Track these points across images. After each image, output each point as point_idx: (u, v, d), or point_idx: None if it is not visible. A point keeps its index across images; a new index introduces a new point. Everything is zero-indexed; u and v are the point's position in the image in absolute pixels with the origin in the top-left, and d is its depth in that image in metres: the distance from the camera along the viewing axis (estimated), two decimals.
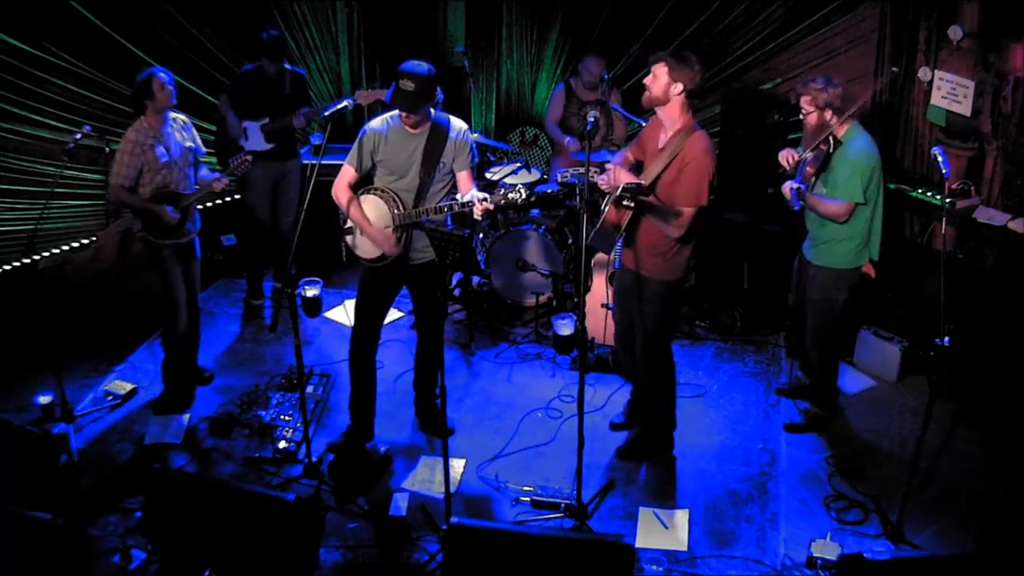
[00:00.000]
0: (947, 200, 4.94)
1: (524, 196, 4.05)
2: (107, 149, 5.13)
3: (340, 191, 4.36)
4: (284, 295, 4.23)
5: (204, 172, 5.01)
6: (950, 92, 5.44)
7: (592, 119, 4.09)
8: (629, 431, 4.90)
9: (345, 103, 4.56)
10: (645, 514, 4.31)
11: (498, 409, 5.14)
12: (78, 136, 5.08)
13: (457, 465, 4.64)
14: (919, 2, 5.65)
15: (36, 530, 3.15)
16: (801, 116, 4.51)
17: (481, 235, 6.23)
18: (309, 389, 5.21)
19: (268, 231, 6.05)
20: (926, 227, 5.60)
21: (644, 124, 4.54)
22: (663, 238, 4.16)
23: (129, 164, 4.65)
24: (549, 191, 6.00)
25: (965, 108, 5.38)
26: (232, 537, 3.36)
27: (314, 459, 4.54)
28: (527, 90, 7.38)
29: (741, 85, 6.52)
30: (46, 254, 6.03)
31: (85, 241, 6.28)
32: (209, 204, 6.87)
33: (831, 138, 4.39)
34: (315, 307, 5.67)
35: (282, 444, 4.74)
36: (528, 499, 4.40)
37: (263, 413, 5.00)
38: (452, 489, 4.03)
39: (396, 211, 4.29)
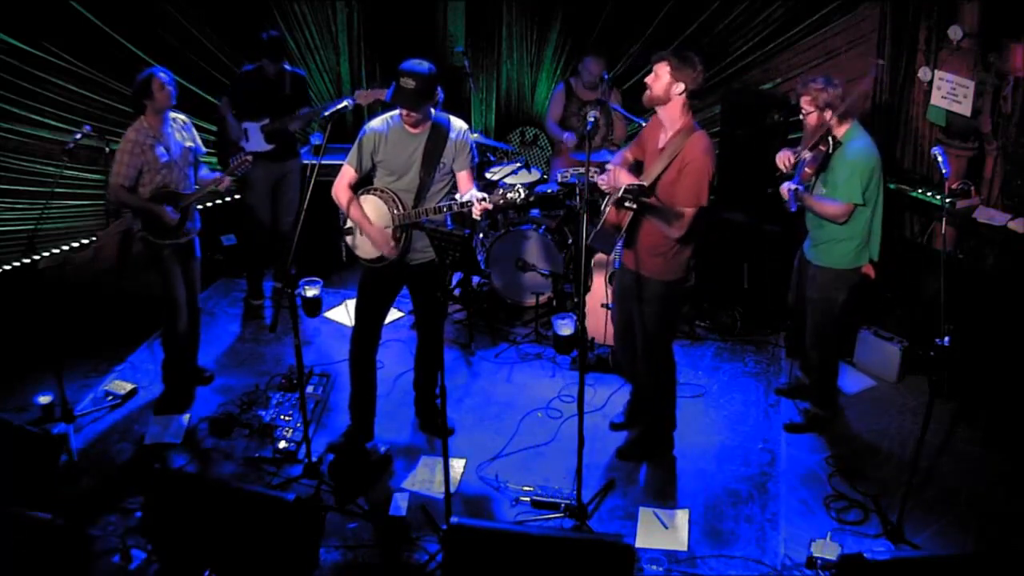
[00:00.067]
0: (947, 200, 4.94)
1: (523, 196, 4.06)
2: (107, 149, 5.13)
3: (340, 191, 4.35)
4: (284, 295, 4.23)
5: (204, 172, 5.01)
6: (950, 92, 5.44)
7: (592, 119, 4.09)
8: (629, 431, 4.90)
9: (345, 103, 4.56)
10: (645, 514, 4.31)
11: (498, 409, 5.14)
12: (78, 136, 5.08)
13: (457, 465, 4.64)
14: (919, 2, 5.65)
15: (36, 530, 3.15)
16: (801, 116, 4.51)
17: (481, 235, 6.23)
18: (309, 389, 5.21)
19: (268, 231, 6.05)
20: (926, 227, 5.60)
21: (644, 124, 4.54)
22: (663, 238, 4.16)
23: (129, 164, 4.65)
24: (549, 191, 6.01)
25: (965, 108, 5.38)
26: (232, 537, 3.36)
27: (314, 459, 4.54)
28: (527, 90, 7.38)
29: (741, 85, 6.52)
30: (46, 254, 6.03)
31: (85, 241, 6.28)
32: (209, 204, 6.88)
33: (831, 138, 4.39)
34: (315, 307, 5.67)
35: (282, 444, 4.74)
36: (528, 499, 4.40)
37: (263, 413, 5.00)
38: (452, 489, 4.03)
39: (396, 211, 4.29)
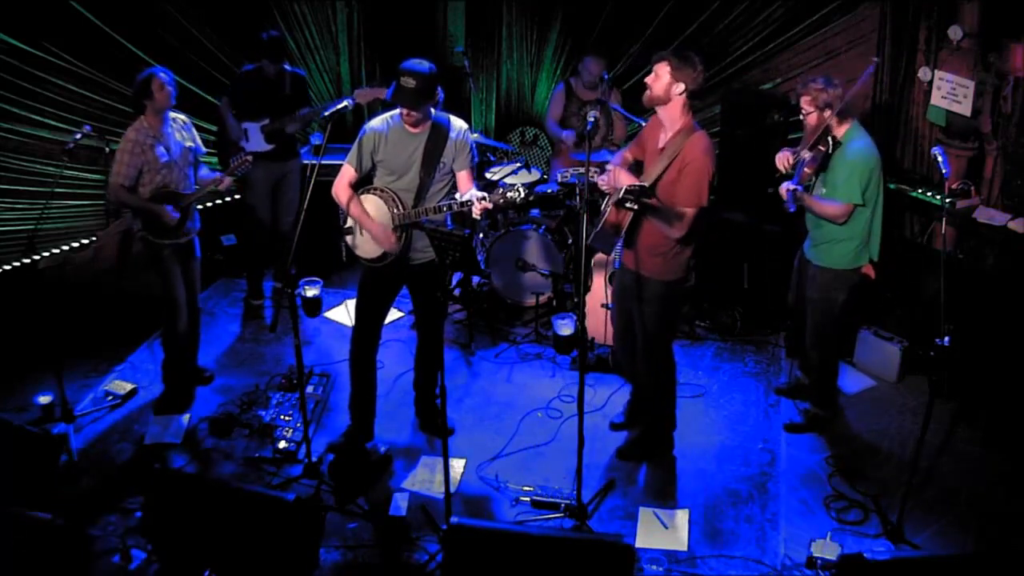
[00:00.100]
0: (947, 200, 4.94)
1: (523, 196, 4.05)
2: (107, 149, 5.13)
3: (340, 190, 4.35)
4: (284, 295, 4.23)
5: (204, 172, 5.01)
6: (950, 92, 5.44)
7: (592, 119, 4.09)
8: (629, 431, 4.89)
9: (345, 103, 4.56)
10: (645, 514, 4.31)
11: (498, 409, 5.14)
12: (78, 136, 5.08)
13: (457, 465, 4.64)
14: (919, 2, 5.65)
15: (36, 530, 3.15)
16: (801, 116, 4.51)
17: (481, 235, 6.24)
18: (309, 389, 5.21)
19: (268, 231, 6.05)
20: (926, 227, 5.60)
21: (644, 124, 4.54)
22: (664, 238, 4.16)
23: (129, 164, 4.65)
24: (549, 191, 6.00)
25: (965, 108, 5.38)
26: (232, 537, 3.36)
27: (314, 459, 4.54)
28: (527, 90, 7.38)
29: (741, 85, 6.52)
30: (46, 254, 6.03)
31: (85, 241, 6.28)
32: (209, 204, 6.88)
33: (830, 139, 4.39)
34: (315, 307, 5.67)
35: (282, 444, 4.74)
36: (528, 499, 4.40)
37: (263, 413, 5.00)
38: (452, 489, 4.03)
39: (395, 211, 4.29)
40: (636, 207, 3.96)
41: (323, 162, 4.28)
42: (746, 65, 6.56)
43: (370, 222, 4.32)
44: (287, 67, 5.84)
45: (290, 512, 3.26)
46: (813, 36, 6.28)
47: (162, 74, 4.64)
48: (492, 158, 6.60)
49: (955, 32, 5.34)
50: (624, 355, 4.74)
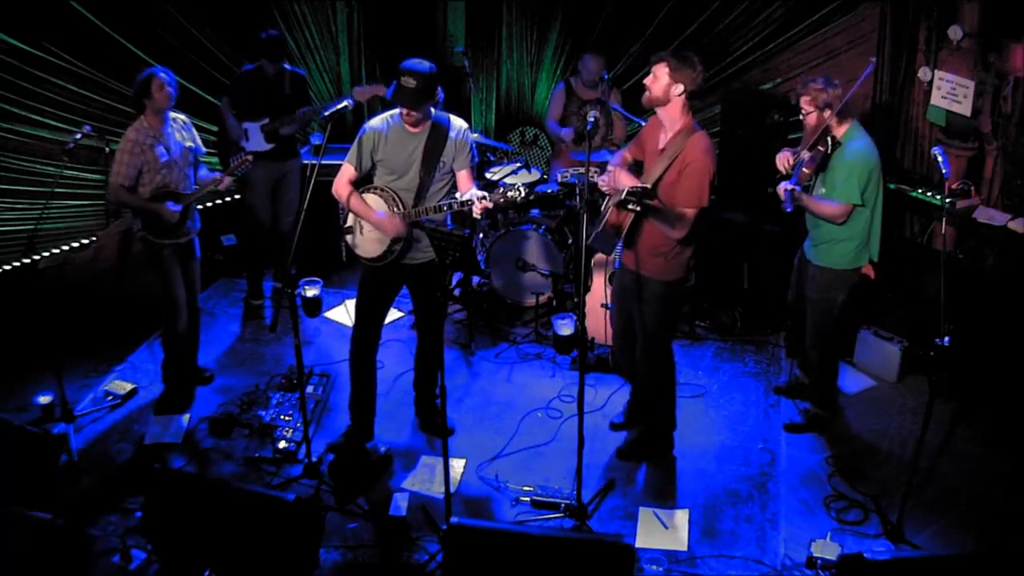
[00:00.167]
0: (947, 200, 4.94)
1: (523, 196, 4.06)
2: (107, 149, 5.13)
3: (340, 187, 4.35)
4: (284, 295, 4.22)
5: (204, 172, 5.01)
6: (950, 92, 5.44)
7: (592, 119, 4.09)
8: (629, 431, 4.89)
9: (345, 103, 4.56)
10: (645, 514, 4.31)
11: (498, 409, 5.14)
12: (78, 136, 5.08)
13: (457, 465, 4.64)
14: (919, 2, 5.65)
15: (36, 530, 3.15)
16: (801, 116, 4.51)
17: (481, 235, 6.24)
18: (309, 389, 5.21)
19: (268, 231, 6.05)
20: (926, 227, 5.60)
21: (644, 124, 4.53)
22: (664, 239, 4.15)
23: (129, 164, 4.65)
24: (549, 191, 6.01)
25: (965, 108, 5.38)
26: (232, 537, 3.36)
27: (314, 459, 4.54)
28: (527, 90, 7.38)
29: (741, 85, 6.52)
30: (46, 254, 6.03)
31: (85, 241, 6.28)
32: (209, 204, 6.88)
33: (830, 139, 4.39)
34: (315, 307, 5.67)
35: (282, 444, 4.74)
36: (528, 499, 4.40)
37: (263, 413, 5.00)
38: (452, 489, 4.03)
39: (395, 210, 4.29)
40: (638, 208, 3.96)
41: (323, 162, 4.28)
42: (746, 65, 6.56)
43: (372, 213, 4.31)
44: (287, 67, 5.84)
45: (290, 512, 3.26)
46: (813, 36, 6.28)
47: (162, 74, 4.64)
48: (492, 158, 6.60)
49: (955, 32, 5.34)
50: (624, 355, 4.74)
